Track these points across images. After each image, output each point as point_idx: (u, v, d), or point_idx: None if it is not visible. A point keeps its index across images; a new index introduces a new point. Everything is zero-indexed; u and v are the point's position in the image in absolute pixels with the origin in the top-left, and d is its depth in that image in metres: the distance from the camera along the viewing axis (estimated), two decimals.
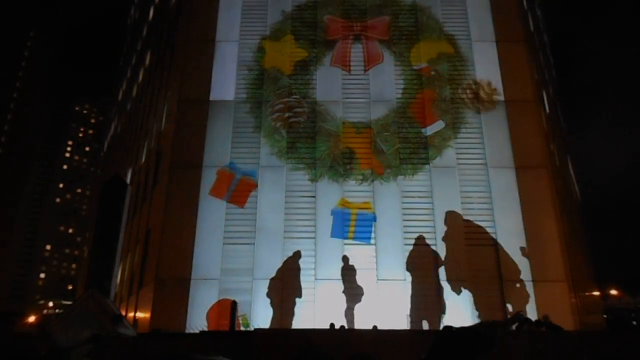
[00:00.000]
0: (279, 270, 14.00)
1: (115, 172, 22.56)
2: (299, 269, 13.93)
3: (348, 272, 13.93)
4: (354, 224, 14.64)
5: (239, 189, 15.02)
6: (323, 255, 14.20)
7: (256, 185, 15.03)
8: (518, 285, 13.72)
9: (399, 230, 14.48)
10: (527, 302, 13.42)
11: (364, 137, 15.59)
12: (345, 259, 14.07)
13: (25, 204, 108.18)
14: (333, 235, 14.50)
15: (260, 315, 13.52)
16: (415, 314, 13.48)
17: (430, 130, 15.59)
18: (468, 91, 15.95)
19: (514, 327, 8.18)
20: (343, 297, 13.67)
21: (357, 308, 13.56)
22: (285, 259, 14.15)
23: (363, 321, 13.15)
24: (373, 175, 15.16)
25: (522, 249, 14.12)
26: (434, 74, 16.33)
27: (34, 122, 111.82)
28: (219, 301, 13.77)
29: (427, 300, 13.69)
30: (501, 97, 15.79)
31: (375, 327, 11.95)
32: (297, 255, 14.05)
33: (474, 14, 17.27)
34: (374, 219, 14.67)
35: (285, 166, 15.36)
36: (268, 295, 13.77)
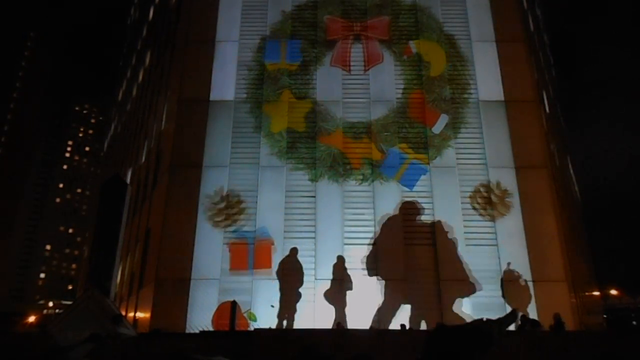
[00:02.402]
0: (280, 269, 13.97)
1: (115, 172, 22.56)
2: (298, 268, 13.91)
3: (344, 271, 13.91)
4: (405, 168, 14.91)
5: (258, 254, 14.34)
6: (323, 255, 14.20)
7: (273, 243, 14.48)
8: (518, 285, 13.72)
9: (399, 230, 14.46)
10: (527, 301, 13.43)
11: (364, 137, 15.61)
12: (340, 258, 14.04)
13: (25, 204, 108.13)
14: (383, 169, 14.90)
15: (260, 315, 13.52)
16: (415, 314, 13.49)
17: (436, 129, 15.58)
18: (479, 198, 14.86)
19: (513, 326, 8.18)
20: (343, 297, 13.65)
21: (357, 308, 13.54)
22: (282, 258, 14.14)
23: (363, 321, 13.15)
24: (373, 175, 15.16)
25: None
26: (425, 74, 16.33)
27: (34, 122, 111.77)
28: (222, 304, 13.74)
29: (426, 300, 13.69)
30: (516, 199, 14.65)
31: (372, 327, 11.96)
32: (293, 253, 14.00)
33: (474, 14, 17.26)
34: (426, 171, 14.95)
35: (285, 166, 15.36)
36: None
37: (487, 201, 14.78)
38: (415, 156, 15.25)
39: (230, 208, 14.78)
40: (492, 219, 14.58)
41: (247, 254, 14.37)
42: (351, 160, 15.36)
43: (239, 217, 14.74)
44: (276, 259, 14.11)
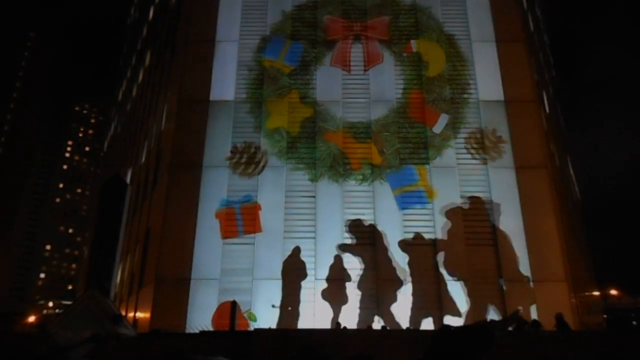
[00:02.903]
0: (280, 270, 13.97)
1: (115, 172, 22.56)
2: (300, 269, 13.92)
3: (343, 271, 13.91)
4: (409, 190, 14.90)
5: (246, 218, 14.76)
6: (323, 255, 14.20)
7: (260, 207, 14.82)
8: (519, 285, 13.72)
9: (399, 230, 14.47)
10: (528, 302, 13.42)
11: (364, 137, 15.60)
12: (339, 258, 14.02)
13: (25, 204, 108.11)
14: (388, 178, 14.91)
15: (260, 315, 13.52)
16: (415, 313, 13.48)
17: (436, 129, 15.57)
18: (472, 141, 15.40)
19: (513, 326, 8.17)
20: (343, 297, 13.67)
21: (357, 308, 13.54)
22: (284, 258, 14.15)
23: (363, 321, 13.16)
24: (373, 175, 15.16)
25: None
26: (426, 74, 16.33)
27: (34, 122, 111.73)
28: (222, 304, 13.73)
29: (426, 300, 13.69)
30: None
31: (369, 327, 11.95)
32: (296, 253, 14.00)
33: (474, 14, 17.26)
34: (426, 202, 14.80)
35: (285, 166, 15.36)
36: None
37: (481, 145, 15.35)
38: (424, 184, 14.99)
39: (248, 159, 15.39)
40: (485, 162, 15.13)
41: (236, 220, 14.63)
42: (351, 160, 15.36)
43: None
44: (277, 259, 14.12)
